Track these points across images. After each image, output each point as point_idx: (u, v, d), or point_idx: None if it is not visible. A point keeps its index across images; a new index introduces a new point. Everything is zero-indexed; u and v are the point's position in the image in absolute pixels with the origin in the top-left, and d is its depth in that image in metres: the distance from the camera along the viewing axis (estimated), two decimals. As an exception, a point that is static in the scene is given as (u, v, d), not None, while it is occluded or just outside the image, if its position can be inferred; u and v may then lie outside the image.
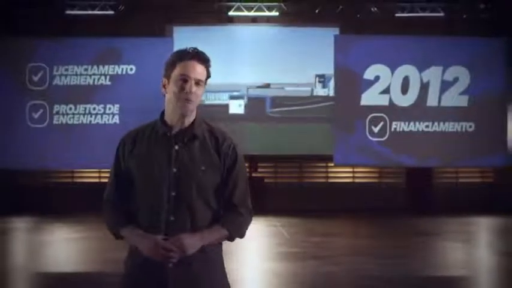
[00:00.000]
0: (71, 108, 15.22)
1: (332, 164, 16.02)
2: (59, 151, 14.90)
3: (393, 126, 15.51)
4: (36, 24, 15.26)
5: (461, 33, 15.75)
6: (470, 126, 15.54)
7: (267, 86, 16.06)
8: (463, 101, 15.54)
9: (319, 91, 16.14)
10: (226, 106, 15.91)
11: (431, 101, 15.55)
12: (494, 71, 15.51)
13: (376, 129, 15.49)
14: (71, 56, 15.10)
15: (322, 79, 16.07)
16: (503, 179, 16.11)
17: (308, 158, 16.52)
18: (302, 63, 15.83)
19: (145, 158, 2.30)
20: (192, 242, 2.21)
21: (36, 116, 15.13)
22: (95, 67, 15.23)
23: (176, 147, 2.28)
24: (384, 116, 15.49)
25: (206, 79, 2.33)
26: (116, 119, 15.11)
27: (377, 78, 15.41)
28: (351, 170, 16.83)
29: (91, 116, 15.25)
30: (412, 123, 15.52)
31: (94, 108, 15.25)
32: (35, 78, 15.21)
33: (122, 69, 15.29)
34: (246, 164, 13.13)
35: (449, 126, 15.52)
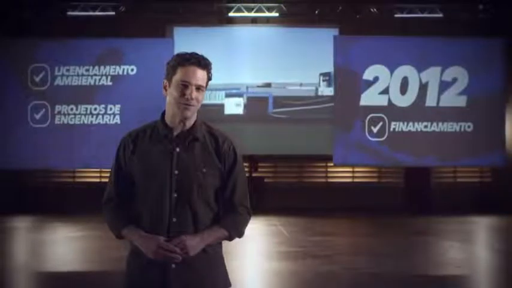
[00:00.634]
0: (72, 109, 15.27)
1: (331, 164, 16.07)
2: (61, 151, 14.97)
3: (392, 126, 15.57)
4: (37, 25, 15.31)
5: (460, 34, 15.78)
6: (468, 126, 15.58)
7: (268, 85, 16.12)
8: (462, 101, 15.59)
9: (324, 90, 16.17)
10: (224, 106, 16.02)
11: (430, 101, 15.61)
12: (492, 72, 15.55)
13: (375, 130, 15.55)
14: (72, 56, 15.16)
15: (327, 77, 16.09)
16: (501, 179, 16.16)
17: (308, 158, 16.58)
18: (304, 63, 15.88)
19: (147, 159, 2.30)
20: (194, 244, 2.23)
21: (38, 116, 15.19)
22: (96, 68, 15.28)
23: (177, 149, 2.29)
24: (383, 116, 15.55)
25: (207, 82, 2.34)
26: (117, 119, 15.15)
27: (376, 78, 15.47)
28: (350, 169, 16.89)
29: (92, 116, 15.30)
30: (411, 124, 15.57)
31: (95, 109, 15.30)
32: (37, 79, 15.26)
33: (123, 69, 15.33)
34: (246, 164, 13.19)
35: (447, 126, 15.56)
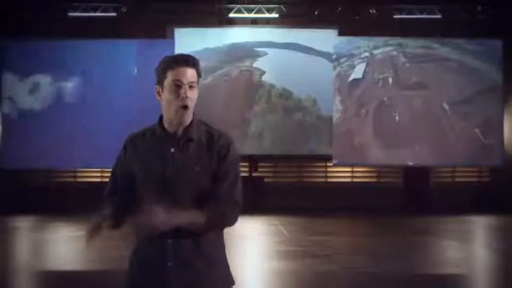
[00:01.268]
0: (72, 109, 15.35)
1: (331, 164, 16.14)
2: (62, 151, 15.01)
3: (391, 126, 15.66)
4: (38, 26, 15.36)
5: (459, 34, 15.86)
6: (467, 127, 15.66)
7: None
8: (461, 102, 15.68)
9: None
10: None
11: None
12: (491, 72, 15.63)
13: (374, 129, 15.64)
14: (73, 57, 15.21)
15: None
16: (499, 179, 16.21)
17: (307, 158, 16.64)
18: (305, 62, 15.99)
19: (144, 161, 2.32)
20: (162, 215, 2.14)
21: (38, 116, 15.30)
22: (97, 68, 15.36)
23: (172, 149, 2.30)
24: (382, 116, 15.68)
25: (198, 79, 2.35)
26: (118, 120, 15.17)
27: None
28: (349, 169, 16.93)
29: (93, 117, 15.38)
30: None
31: (96, 109, 15.40)
32: (38, 80, 15.33)
33: (124, 70, 15.40)
34: (246, 164, 13.22)
35: (447, 128, 15.65)
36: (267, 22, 16.25)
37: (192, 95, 2.31)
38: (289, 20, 16.11)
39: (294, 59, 15.95)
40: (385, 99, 15.76)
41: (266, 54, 16.04)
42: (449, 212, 14.55)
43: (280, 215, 14.17)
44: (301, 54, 16.04)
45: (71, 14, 15.23)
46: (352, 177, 17.03)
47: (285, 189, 16.36)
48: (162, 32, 15.81)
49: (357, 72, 15.94)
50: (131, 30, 15.46)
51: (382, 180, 17.01)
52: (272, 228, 12.16)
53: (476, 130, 15.57)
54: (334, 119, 15.71)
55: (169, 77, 2.28)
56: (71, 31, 15.33)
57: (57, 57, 15.21)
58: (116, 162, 2.43)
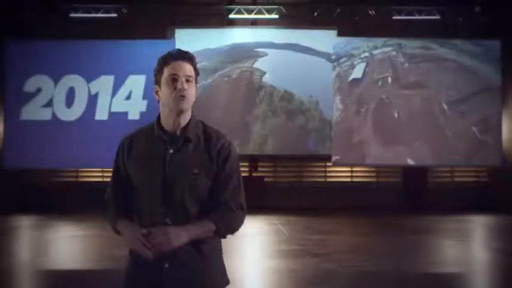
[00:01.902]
0: (73, 109, 15.42)
1: (330, 164, 16.21)
2: (63, 150, 15.08)
3: (390, 123, 15.76)
4: (40, 27, 15.42)
5: (457, 35, 15.92)
6: (465, 127, 15.73)
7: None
8: (459, 102, 15.75)
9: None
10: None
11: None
12: (489, 73, 15.70)
13: (374, 127, 15.72)
14: (74, 58, 15.27)
15: None
16: (497, 179, 16.26)
17: (307, 158, 16.70)
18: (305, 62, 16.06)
19: (142, 161, 2.30)
20: (177, 233, 2.17)
21: (39, 116, 15.37)
22: (98, 68, 15.43)
23: (171, 150, 2.27)
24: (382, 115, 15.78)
25: (196, 77, 2.33)
26: (119, 120, 15.24)
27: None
28: (349, 169, 16.98)
29: (94, 117, 15.45)
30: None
31: (96, 109, 15.47)
32: (38, 80, 15.40)
33: (124, 70, 15.48)
34: (246, 164, 13.31)
35: (445, 127, 15.72)
36: (267, 23, 16.28)
37: (189, 89, 2.28)
38: (289, 20, 16.14)
39: (293, 59, 15.97)
40: (384, 97, 15.83)
41: (266, 54, 16.09)
42: (448, 212, 14.61)
43: (280, 214, 14.23)
44: (301, 54, 16.06)
45: (72, 15, 15.28)
46: (352, 176, 17.07)
47: (285, 189, 16.42)
48: (163, 32, 15.85)
49: (357, 72, 15.98)
50: (132, 31, 15.51)
51: (382, 180, 17.05)
52: (272, 228, 12.19)
53: (475, 130, 15.62)
54: (334, 118, 15.77)
55: (166, 73, 2.27)
56: (73, 32, 15.38)
57: (58, 58, 15.26)
58: (114, 164, 2.41)
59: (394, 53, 15.95)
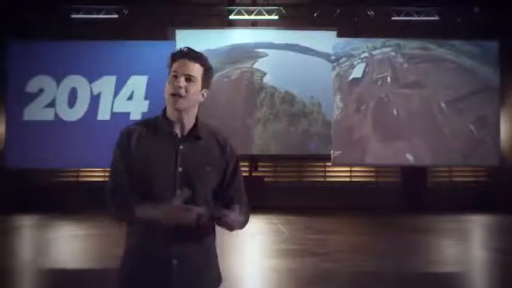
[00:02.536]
0: (76, 109, 15.46)
1: (330, 164, 16.25)
2: (65, 150, 15.12)
3: (389, 120, 15.82)
4: (41, 28, 15.46)
5: (456, 36, 15.96)
6: (463, 125, 15.78)
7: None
8: (457, 101, 15.80)
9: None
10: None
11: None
12: (487, 73, 15.75)
13: (373, 124, 15.77)
14: (76, 58, 15.32)
15: None
16: (496, 179, 16.33)
17: (307, 158, 16.74)
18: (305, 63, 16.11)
19: (150, 155, 2.25)
20: (204, 211, 2.17)
21: (39, 116, 15.42)
22: (99, 68, 15.49)
23: (181, 147, 2.26)
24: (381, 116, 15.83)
25: (206, 73, 2.30)
26: (121, 120, 15.28)
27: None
28: (348, 169, 17.03)
29: (95, 117, 15.50)
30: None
31: (100, 110, 15.52)
32: (39, 81, 15.45)
33: (125, 71, 15.52)
34: (246, 164, 13.39)
35: (444, 127, 15.76)
36: (267, 24, 16.33)
37: (189, 88, 2.25)
38: (289, 21, 16.19)
39: (294, 60, 16.03)
40: (383, 95, 15.88)
41: (266, 55, 16.14)
42: (447, 211, 14.64)
43: (280, 214, 14.26)
44: (301, 55, 16.11)
45: (73, 16, 15.33)
46: (351, 176, 17.12)
47: (285, 189, 16.47)
48: (164, 33, 15.91)
49: (357, 72, 16.06)
50: (133, 32, 15.56)
51: (381, 180, 17.10)
52: (272, 227, 12.21)
53: (472, 128, 15.67)
54: (334, 116, 15.82)
55: (171, 70, 2.28)
56: (74, 33, 15.43)
57: (60, 59, 15.31)
58: (119, 153, 2.30)
59: (393, 53, 16.02)
